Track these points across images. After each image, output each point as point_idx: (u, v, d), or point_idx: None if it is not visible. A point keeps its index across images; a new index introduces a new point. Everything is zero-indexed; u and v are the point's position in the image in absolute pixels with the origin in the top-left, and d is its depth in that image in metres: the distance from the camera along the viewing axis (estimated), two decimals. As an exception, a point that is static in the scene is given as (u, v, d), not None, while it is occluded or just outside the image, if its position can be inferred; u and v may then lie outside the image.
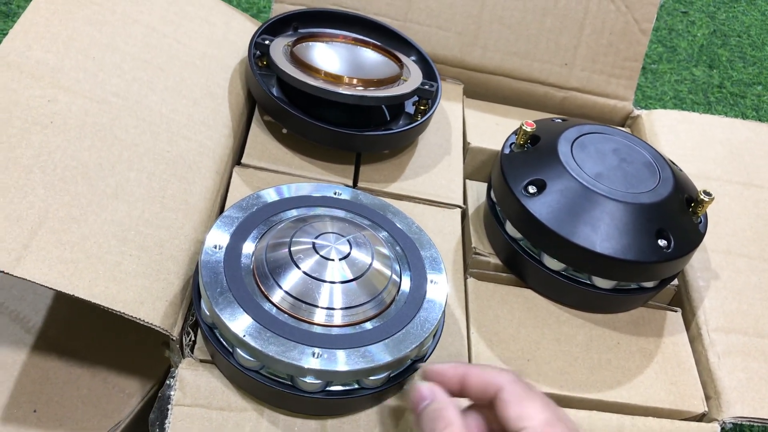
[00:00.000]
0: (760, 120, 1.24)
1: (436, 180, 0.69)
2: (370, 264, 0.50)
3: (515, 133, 0.64)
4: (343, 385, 0.48)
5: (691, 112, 0.82)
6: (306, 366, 0.45)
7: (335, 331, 0.48)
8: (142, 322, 0.50)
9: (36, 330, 0.61)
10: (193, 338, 0.52)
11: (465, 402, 0.46)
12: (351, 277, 0.49)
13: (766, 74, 1.33)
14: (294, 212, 0.55)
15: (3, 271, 0.47)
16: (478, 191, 0.70)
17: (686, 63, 1.31)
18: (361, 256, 0.50)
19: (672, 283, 0.63)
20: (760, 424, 0.56)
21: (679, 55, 1.33)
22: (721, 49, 1.36)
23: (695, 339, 0.61)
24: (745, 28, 1.43)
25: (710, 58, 1.34)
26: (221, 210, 0.61)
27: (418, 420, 0.43)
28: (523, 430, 0.40)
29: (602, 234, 0.56)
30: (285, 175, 0.65)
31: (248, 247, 0.51)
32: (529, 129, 0.62)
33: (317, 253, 0.50)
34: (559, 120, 0.67)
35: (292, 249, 0.50)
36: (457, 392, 0.44)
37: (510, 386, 0.42)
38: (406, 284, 0.52)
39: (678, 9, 1.43)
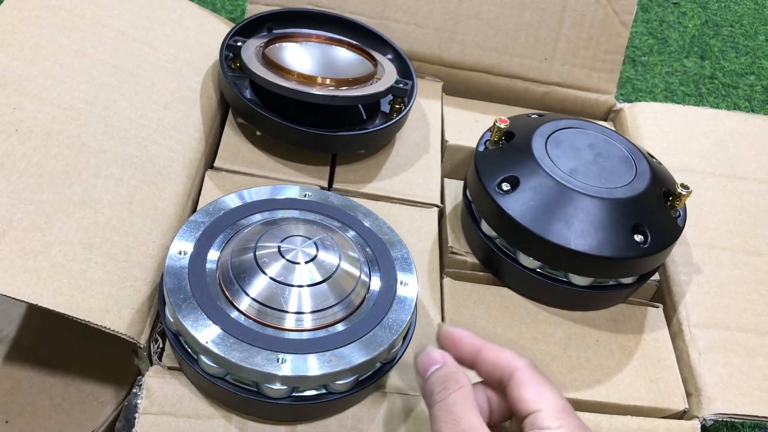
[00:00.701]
0: (752, 110, 1.23)
1: (413, 179, 0.68)
2: (338, 266, 0.50)
3: (490, 129, 0.63)
4: (311, 389, 0.47)
5: (675, 104, 0.81)
6: (270, 372, 0.44)
7: (301, 335, 0.47)
8: (107, 331, 0.49)
9: (9, 340, 0.61)
10: (161, 345, 0.52)
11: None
12: (317, 280, 0.48)
13: (759, 64, 1.31)
14: (260, 216, 0.54)
15: (-38, 282, 0.46)
16: (456, 190, 0.69)
17: (677, 54, 1.30)
18: (328, 259, 0.50)
19: (653, 278, 0.62)
20: (740, 421, 0.55)
21: (670, 47, 1.31)
22: (713, 40, 1.35)
23: (676, 335, 0.60)
24: (738, 17, 1.41)
25: (702, 49, 1.32)
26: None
27: (426, 384, 0.42)
28: (538, 411, 0.39)
29: (577, 230, 0.55)
30: (259, 178, 0.64)
31: (213, 253, 0.51)
32: (502, 125, 0.61)
33: (283, 256, 0.49)
34: (535, 115, 0.66)
35: (257, 253, 0.49)
36: (468, 364, 0.43)
37: (527, 369, 0.41)
38: (375, 285, 0.51)
39: (669, 0, 1.42)
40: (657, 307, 0.62)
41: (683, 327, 0.60)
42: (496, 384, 0.42)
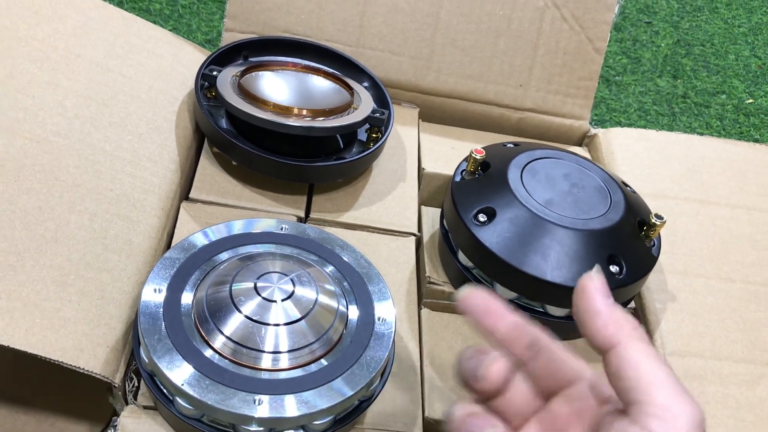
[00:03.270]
0: (724, 129, 1.25)
1: (390, 207, 0.68)
2: (314, 304, 0.49)
3: (466, 160, 0.64)
4: (288, 430, 0.47)
5: (654, 127, 0.82)
6: (247, 414, 0.44)
7: (278, 375, 0.47)
8: (81, 371, 0.49)
9: (-20, 377, 0.60)
10: (136, 384, 0.51)
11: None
12: (293, 318, 0.48)
13: (729, 83, 1.33)
14: (236, 251, 0.54)
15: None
16: (433, 218, 0.69)
17: (650, 74, 1.32)
18: (305, 296, 0.49)
19: (629, 306, 0.63)
20: (715, 451, 0.55)
21: (644, 66, 1.33)
22: (685, 59, 1.37)
23: (652, 363, 0.61)
24: (709, 36, 1.44)
25: (674, 68, 1.34)
26: (167, 249, 0.60)
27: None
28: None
29: (553, 262, 0.56)
30: (235, 208, 0.64)
31: (189, 290, 0.50)
32: (478, 156, 0.61)
33: (259, 294, 0.49)
34: (511, 145, 0.66)
35: (232, 291, 0.49)
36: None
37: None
38: (353, 322, 0.51)
39: (642, 19, 1.44)
40: (633, 334, 0.63)
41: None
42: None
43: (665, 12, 1.46)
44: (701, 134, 1.20)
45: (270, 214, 0.64)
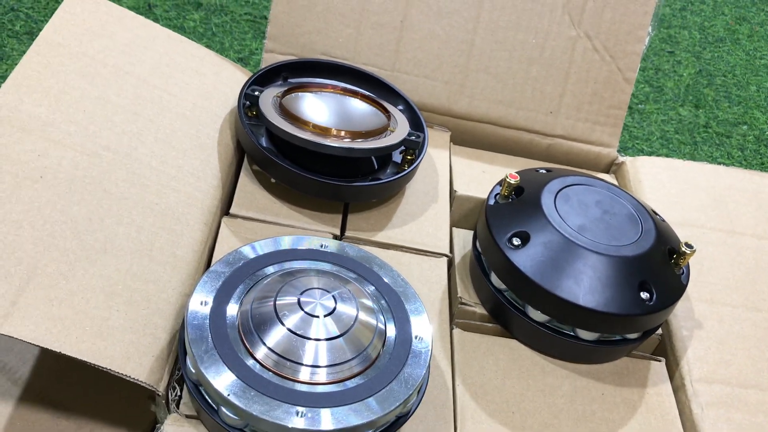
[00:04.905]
0: (745, 159, 1.26)
1: (422, 228, 0.69)
2: (355, 320, 0.51)
3: (500, 184, 0.65)
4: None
5: (676, 156, 0.84)
6: (290, 425, 0.45)
7: (319, 389, 0.48)
8: (128, 378, 0.50)
9: (23, 381, 0.61)
10: (179, 393, 0.53)
11: None
12: (335, 334, 0.50)
13: (751, 114, 1.35)
14: (279, 266, 0.55)
15: (-10, 330, 0.47)
16: (464, 239, 0.71)
17: (673, 103, 1.33)
18: (346, 312, 0.51)
19: (656, 332, 0.64)
20: (742, 478, 0.56)
21: (666, 95, 1.35)
22: (707, 89, 1.38)
23: (679, 389, 0.62)
24: (731, 67, 1.45)
25: (696, 98, 1.36)
26: (209, 262, 0.62)
27: None
28: None
29: (585, 287, 0.57)
30: (273, 225, 0.65)
31: (234, 303, 0.52)
32: (513, 181, 0.63)
33: (302, 309, 0.50)
34: (544, 171, 0.68)
35: (277, 305, 0.50)
36: None
37: None
38: (391, 339, 0.53)
39: (665, 49, 1.46)
40: (659, 360, 0.64)
41: (685, 382, 0.62)
42: None
43: (687, 42, 1.48)
44: (723, 164, 1.22)
45: (306, 231, 0.66)
